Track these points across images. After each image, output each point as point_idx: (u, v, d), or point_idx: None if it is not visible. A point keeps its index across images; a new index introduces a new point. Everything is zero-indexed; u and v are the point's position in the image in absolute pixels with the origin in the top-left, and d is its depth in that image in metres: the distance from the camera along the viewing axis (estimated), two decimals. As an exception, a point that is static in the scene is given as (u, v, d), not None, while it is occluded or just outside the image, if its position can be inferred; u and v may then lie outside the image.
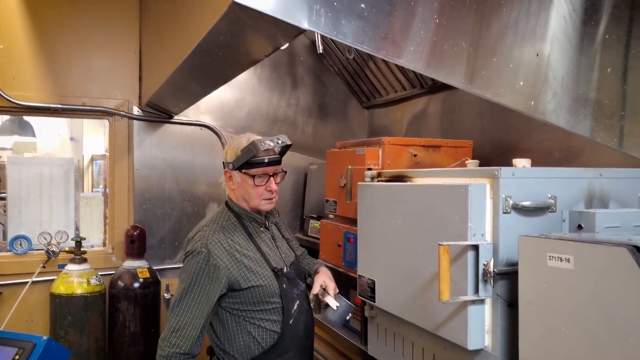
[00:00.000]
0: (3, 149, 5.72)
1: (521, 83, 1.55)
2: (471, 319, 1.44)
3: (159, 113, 3.36)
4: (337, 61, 3.68)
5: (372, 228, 1.97)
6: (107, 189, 3.52)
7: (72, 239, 3.18)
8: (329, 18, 1.35)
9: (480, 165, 1.72)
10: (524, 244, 1.29)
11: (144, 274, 3.13)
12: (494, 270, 1.40)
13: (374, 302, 1.94)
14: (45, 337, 2.05)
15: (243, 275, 1.83)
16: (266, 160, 1.87)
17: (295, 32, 1.59)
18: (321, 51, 2.69)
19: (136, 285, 3.10)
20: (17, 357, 2.00)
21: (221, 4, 1.45)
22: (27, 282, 3.09)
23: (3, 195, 3.56)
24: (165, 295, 3.31)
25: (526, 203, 1.42)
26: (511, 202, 1.41)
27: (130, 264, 3.17)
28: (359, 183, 2.07)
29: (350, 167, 2.35)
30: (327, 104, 3.80)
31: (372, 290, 1.95)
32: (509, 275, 1.41)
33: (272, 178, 1.91)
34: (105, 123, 3.53)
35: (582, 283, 1.13)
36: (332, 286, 1.99)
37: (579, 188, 1.52)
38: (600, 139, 1.64)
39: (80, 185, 5.20)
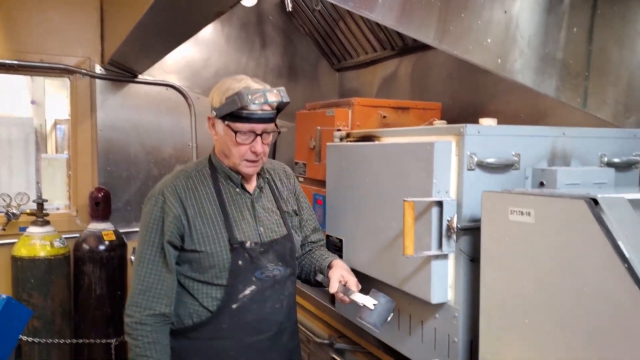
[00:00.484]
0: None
1: (489, 40, 1.54)
2: (434, 273, 1.47)
3: (122, 72, 3.25)
4: (307, 21, 3.60)
5: (340, 188, 1.97)
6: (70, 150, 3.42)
7: (33, 201, 3.09)
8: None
9: (447, 124, 1.72)
10: (487, 199, 1.31)
11: (109, 237, 3.09)
12: (457, 226, 1.42)
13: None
14: (4, 296, 2.00)
15: (190, 234, 1.57)
16: (255, 116, 1.52)
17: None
18: (290, 9, 2.63)
19: (102, 247, 3.05)
20: (-25, 315, 1.96)
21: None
22: (-15, 245, 3.01)
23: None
24: (132, 258, 3.27)
25: (490, 160, 1.43)
26: (476, 159, 1.42)
27: (95, 226, 3.11)
28: (327, 144, 2.06)
29: (319, 127, 2.33)
30: (297, 65, 3.73)
31: (340, 249, 1.97)
32: (471, 231, 1.44)
33: (259, 137, 1.55)
34: (68, 85, 3.40)
35: (542, 236, 1.15)
36: (353, 280, 1.62)
37: (542, 146, 1.54)
38: (564, 98, 1.66)
39: (42, 149, 5.03)
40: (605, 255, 1.02)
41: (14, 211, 3.07)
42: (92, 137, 3.25)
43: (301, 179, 2.73)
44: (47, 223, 3.04)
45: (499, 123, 1.60)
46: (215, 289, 1.58)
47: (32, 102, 6.07)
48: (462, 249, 1.46)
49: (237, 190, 1.66)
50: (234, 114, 1.52)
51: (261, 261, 1.61)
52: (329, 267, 1.71)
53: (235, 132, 1.54)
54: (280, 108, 1.61)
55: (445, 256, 1.47)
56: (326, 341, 2.28)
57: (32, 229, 3.01)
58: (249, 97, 1.49)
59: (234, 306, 1.59)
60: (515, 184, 1.49)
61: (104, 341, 3.08)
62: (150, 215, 1.60)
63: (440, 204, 1.44)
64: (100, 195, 3.12)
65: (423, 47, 2.91)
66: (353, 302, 1.57)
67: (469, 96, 2.61)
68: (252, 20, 3.58)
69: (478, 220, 1.38)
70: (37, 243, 2.96)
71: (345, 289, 1.60)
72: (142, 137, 3.32)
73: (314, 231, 1.88)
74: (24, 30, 3.04)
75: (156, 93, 3.35)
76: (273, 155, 3.48)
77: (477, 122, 1.66)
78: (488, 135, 1.45)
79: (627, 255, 1.00)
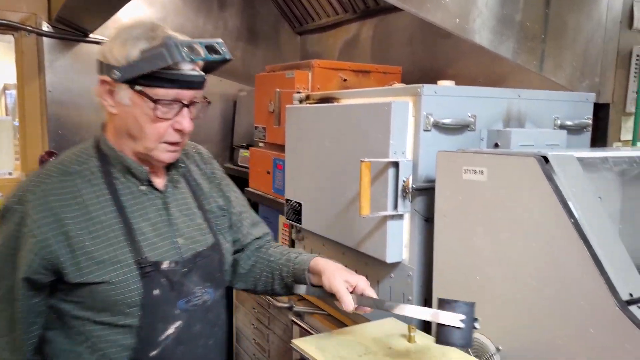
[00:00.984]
0: None
1: (447, 0, 1.52)
2: (390, 234, 1.48)
3: (72, 30, 3.08)
4: (268, -18, 3.49)
5: (299, 151, 1.95)
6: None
7: (-22, 167, 2.94)
8: None
9: (406, 87, 1.71)
10: (442, 159, 1.31)
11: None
12: (412, 186, 1.43)
13: (300, 224, 1.95)
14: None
15: (75, 262, 1.09)
16: (184, 78, 1.10)
17: None
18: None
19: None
20: None
21: None
22: None
23: None
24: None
25: (446, 121, 1.43)
26: (432, 120, 1.42)
27: (46, 193, 3.00)
28: (287, 106, 2.02)
29: (278, 90, 2.28)
30: (257, 28, 3.63)
31: (299, 212, 1.96)
32: (427, 191, 1.44)
33: (186, 110, 1.12)
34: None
35: (494, 193, 1.17)
36: (363, 281, 1.23)
37: (498, 108, 1.55)
38: (521, 61, 1.67)
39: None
40: (553, 211, 1.04)
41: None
42: (40, 99, 3.09)
43: (261, 144, 2.70)
44: (-6, 189, 2.91)
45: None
46: (123, 334, 1.12)
47: (-22, 65, 5.74)
48: (417, 209, 1.47)
49: (142, 188, 1.19)
50: (155, 75, 1.07)
51: (185, 286, 1.18)
52: (311, 271, 1.29)
53: (156, 102, 1.08)
54: (211, 69, 1.22)
55: (400, 216, 1.48)
56: (286, 305, 2.30)
57: (-21, 195, 2.87)
58: (182, 50, 1.07)
59: (153, 354, 1.14)
60: (470, 145, 1.49)
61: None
62: (3, 235, 1.12)
63: (396, 164, 1.44)
64: (51, 159, 2.99)
65: (384, 10, 2.88)
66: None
67: (429, 60, 2.60)
68: (210, -21, 3.45)
69: (433, 181, 1.39)
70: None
71: (367, 299, 1.21)
72: (94, 100, 3.18)
73: (253, 225, 1.44)
74: (-39, -18, 2.84)
75: (109, 54, 3.20)
76: (232, 123, 3.41)
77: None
78: (445, 96, 1.45)
79: (573, 210, 1.02)
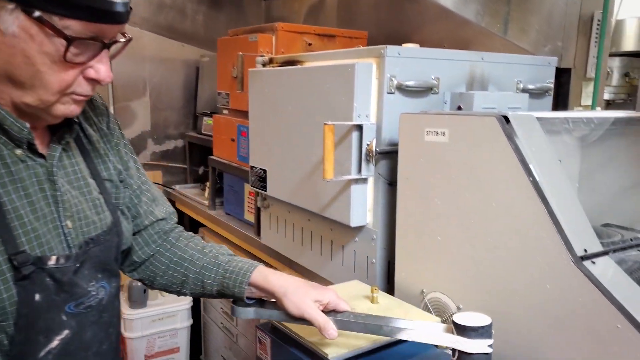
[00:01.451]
0: None
1: (412, -41, 1.49)
2: (354, 197, 1.47)
3: None
4: (230, -57, 3.36)
5: (263, 116, 1.91)
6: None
7: None
8: None
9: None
10: (404, 121, 1.30)
11: None
12: (376, 150, 1.42)
13: (265, 191, 1.93)
14: None
15: None
16: (109, 7, 0.80)
17: None
18: None
19: None
20: None
21: None
22: None
23: None
24: None
25: (410, 83, 1.42)
26: (395, 82, 1.41)
27: None
28: (249, 70, 1.97)
29: (241, 54, 2.22)
30: (220, -9, 3.51)
31: (264, 179, 1.93)
32: (390, 155, 1.44)
33: (105, 52, 0.85)
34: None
35: (455, 154, 1.17)
36: (335, 299, 1.05)
37: (461, 71, 1.54)
38: (485, 24, 1.66)
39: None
40: (513, 170, 1.05)
41: None
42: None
43: (225, 111, 2.64)
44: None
45: (422, 50, 1.59)
46: None
47: None
48: (381, 172, 1.46)
49: (18, 152, 0.88)
50: (70, 1, 0.77)
51: (76, 285, 0.93)
52: (254, 286, 1.06)
53: (69, 40, 0.78)
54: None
55: (364, 180, 1.48)
56: (252, 272, 2.29)
57: None
58: None
59: None
60: (434, 108, 1.49)
61: None
62: None
63: (360, 128, 1.42)
64: None
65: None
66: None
67: (395, 25, 2.57)
68: (169, -62, 3.29)
69: (397, 144, 1.38)
70: None
71: (356, 323, 1.01)
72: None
73: (154, 202, 1.17)
74: None
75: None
76: (195, 90, 3.32)
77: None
78: (408, 58, 1.43)
79: (532, 169, 1.03)
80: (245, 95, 2.23)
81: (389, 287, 1.47)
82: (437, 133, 1.20)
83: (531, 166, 1.04)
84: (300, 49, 2.30)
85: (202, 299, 2.96)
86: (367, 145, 1.42)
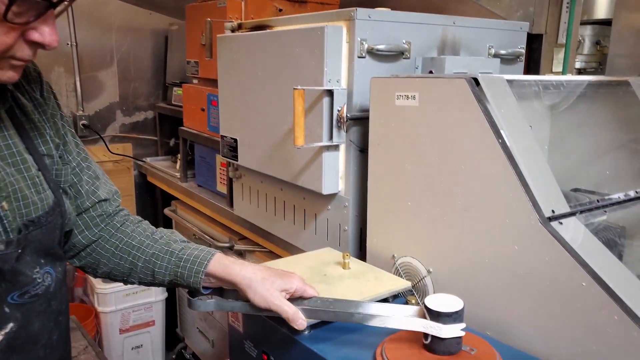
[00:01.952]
0: None
1: None
2: (325, 165, 1.46)
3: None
4: None
5: (232, 84, 1.86)
6: None
7: None
8: None
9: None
10: (375, 85, 1.28)
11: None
12: (347, 116, 1.40)
13: (237, 160, 1.90)
14: None
15: None
16: None
17: None
18: None
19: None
20: None
21: None
22: None
23: None
24: None
25: (381, 47, 1.39)
26: (366, 45, 1.38)
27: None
28: (218, 36, 1.91)
29: (209, 19, 2.15)
30: (188, -44, 3.38)
31: (235, 149, 1.90)
32: (361, 121, 1.42)
33: (51, 13, 0.75)
34: None
35: (425, 118, 1.15)
36: (301, 285, 1.01)
37: (433, 35, 1.52)
38: (457, -13, 1.63)
39: None
40: (482, 133, 1.04)
41: None
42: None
43: (195, 81, 2.57)
44: None
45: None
46: None
47: None
48: (352, 139, 1.44)
49: None
50: None
51: (20, 273, 0.85)
52: (213, 276, 0.99)
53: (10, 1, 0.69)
54: None
55: (336, 147, 1.46)
56: (226, 244, 2.27)
57: None
58: None
59: None
60: (405, 73, 1.47)
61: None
62: None
63: (330, 93, 1.39)
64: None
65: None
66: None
67: (368, -9, 2.53)
68: None
69: (368, 110, 1.36)
70: None
71: (326, 312, 0.98)
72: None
73: (96, 180, 1.05)
74: None
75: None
76: (164, 60, 3.22)
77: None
78: (379, 21, 1.40)
79: (501, 131, 1.02)
80: (214, 63, 2.17)
81: (362, 254, 1.47)
82: (407, 97, 1.19)
83: (500, 128, 1.03)
84: (270, 15, 2.24)
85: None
86: (338, 111, 1.40)
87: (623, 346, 0.85)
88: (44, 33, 0.75)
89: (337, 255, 1.34)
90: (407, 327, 0.93)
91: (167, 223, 2.95)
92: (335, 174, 1.48)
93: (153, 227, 1.10)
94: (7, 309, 0.84)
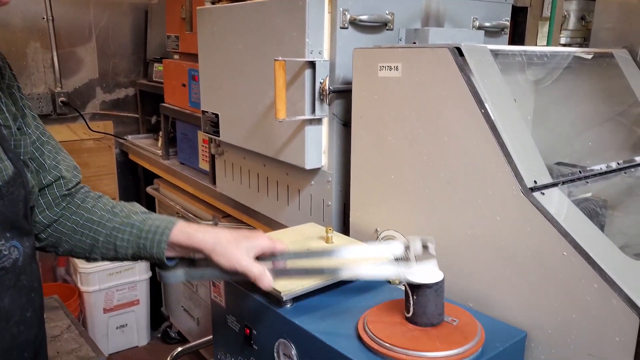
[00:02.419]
0: None
1: None
2: (308, 139, 1.44)
3: None
4: None
5: (213, 58, 1.82)
6: None
7: None
8: None
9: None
10: (358, 56, 1.25)
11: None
12: (329, 88, 1.37)
13: (218, 136, 1.87)
14: None
15: None
16: None
17: None
18: None
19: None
20: None
21: None
22: None
23: None
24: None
25: (364, 17, 1.36)
26: (349, 16, 1.35)
27: None
28: (198, 8, 1.86)
29: (189, -8, 2.09)
30: None
31: (216, 124, 1.87)
32: (344, 94, 1.40)
33: None
34: None
35: (408, 89, 1.14)
36: (266, 243, 0.97)
37: (416, 6, 1.49)
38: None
39: None
40: (465, 103, 1.02)
41: None
42: None
43: (176, 56, 2.51)
44: None
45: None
46: None
47: None
48: (335, 113, 1.42)
49: None
50: None
51: None
52: (176, 245, 0.97)
53: None
54: None
55: (318, 121, 1.44)
56: (210, 222, 2.25)
57: None
58: None
59: None
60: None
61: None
62: None
63: (313, 64, 1.37)
64: None
65: None
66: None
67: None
68: None
69: (351, 83, 1.34)
70: None
71: (293, 270, 0.98)
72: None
73: (57, 154, 1.02)
74: None
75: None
76: (144, 35, 3.14)
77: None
78: (362, -9, 1.37)
79: (484, 101, 1.01)
80: (194, 37, 2.12)
81: (345, 229, 1.47)
82: (390, 68, 1.16)
83: (483, 98, 1.02)
84: (252, -12, 2.19)
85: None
86: (321, 83, 1.37)
87: (602, 314, 0.86)
88: None
89: (320, 230, 1.33)
90: (379, 275, 0.91)
91: (150, 201, 2.92)
92: (318, 148, 1.46)
93: (113, 201, 1.06)
94: None
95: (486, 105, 1.01)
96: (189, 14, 2.07)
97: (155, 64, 2.89)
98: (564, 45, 3.06)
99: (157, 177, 2.80)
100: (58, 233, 1.01)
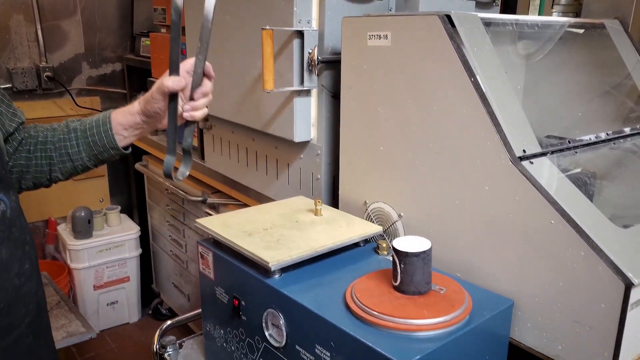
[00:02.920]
0: None
1: None
2: (297, 111, 1.42)
3: None
4: None
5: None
6: None
7: None
8: None
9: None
10: (347, 25, 1.23)
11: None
12: (318, 58, 1.35)
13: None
14: None
15: None
16: None
17: None
18: None
19: None
20: None
21: None
22: None
23: None
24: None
25: (353, -15, 1.34)
26: (338, -16, 1.32)
27: None
28: (183, -21, 1.81)
29: (175, -38, 2.04)
30: None
31: (204, 99, 1.83)
32: (333, 65, 1.37)
33: None
34: None
35: (398, 58, 1.12)
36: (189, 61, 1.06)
37: (407, -25, 1.46)
38: None
39: None
40: (454, 71, 1.01)
41: None
42: None
43: (163, 29, 2.46)
44: None
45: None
46: None
47: None
48: (324, 84, 1.40)
49: None
50: None
51: None
52: (128, 124, 1.05)
53: None
54: None
55: (307, 92, 1.42)
56: (199, 198, 2.24)
57: None
58: None
59: None
60: (379, 15, 1.42)
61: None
62: None
63: (301, 34, 1.34)
64: None
65: None
66: None
67: None
68: None
69: (340, 54, 1.31)
70: None
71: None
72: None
73: (10, 102, 1.06)
74: None
75: None
76: (131, 8, 3.07)
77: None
78: (351, -42, 1.34)
79: (474, 70, 1.00)
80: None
81: (334, 202, 1.46)
82: (379, 37, 1.14)
83: (473, 67, 1.00)
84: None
85: (149, 227, 2.91)
86: (309, 53, 1.35)
87: (588, 282, 0.86)
88: None
89: (309, 203, 1.32)
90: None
91: (139, 178, 2.89)
92: (307, 120, 1.44)
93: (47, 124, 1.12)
94: None
95: (476, 74, 1.00)
96: (175, -15, 2.01)
97: (143, 39, 2.84)
98: (556, 20, 3.03)
99: (146, 153, 2.77)
100: (17, 168, 1.05)
